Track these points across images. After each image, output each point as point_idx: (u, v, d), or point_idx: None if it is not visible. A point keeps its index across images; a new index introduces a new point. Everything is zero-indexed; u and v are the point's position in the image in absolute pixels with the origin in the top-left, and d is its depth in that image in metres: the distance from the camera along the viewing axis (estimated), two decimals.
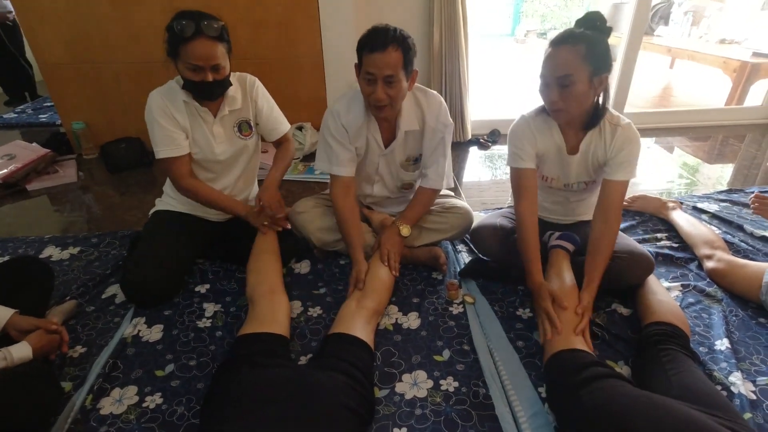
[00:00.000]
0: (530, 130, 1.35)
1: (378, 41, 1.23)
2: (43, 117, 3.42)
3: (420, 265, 1.63)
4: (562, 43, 1.18)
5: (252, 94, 1.52)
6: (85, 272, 1.64)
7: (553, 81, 1.20)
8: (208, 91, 1.38)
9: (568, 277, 1.30)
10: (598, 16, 1.19)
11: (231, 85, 1.43)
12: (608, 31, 1.19)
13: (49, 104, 3.65)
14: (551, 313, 1.18)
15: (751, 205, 1.50)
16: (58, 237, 1.87)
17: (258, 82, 1.55)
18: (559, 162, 1.39)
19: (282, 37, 2.57)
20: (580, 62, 1.16)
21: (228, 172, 1.58)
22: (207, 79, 1.32)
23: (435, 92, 1.47)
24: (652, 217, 1.93)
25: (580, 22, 1.21)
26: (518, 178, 1.37)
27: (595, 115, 1.28)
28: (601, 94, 1.25)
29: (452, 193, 1.77)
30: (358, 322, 1.22)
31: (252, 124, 1.55)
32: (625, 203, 1.89)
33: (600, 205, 1.32)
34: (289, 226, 1.58)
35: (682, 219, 1.77)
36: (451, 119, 1.46)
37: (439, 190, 1.55)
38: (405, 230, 1.49)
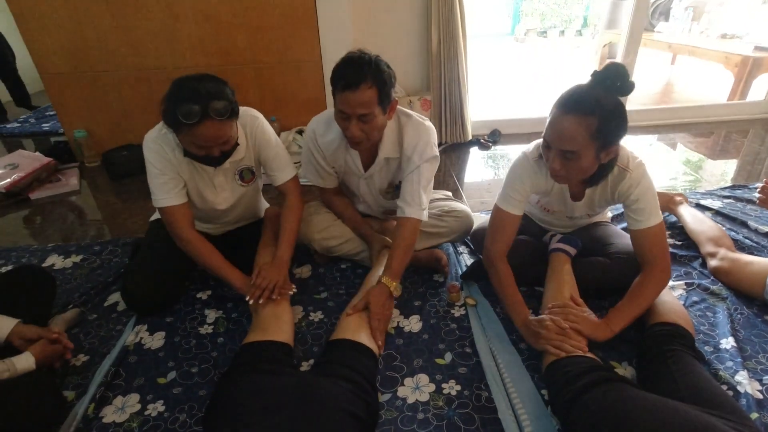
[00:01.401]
0: (532, 171, 1.26)
1: (350, 79, 1.16)
2: (45, 126, 3.44)
3: (421, 268, 1.63)
4: (571, 111, 1.04)
5: (254, 137, 1.39)
6: (88, 280, 1.64)
7: (555, 151, 1.09)
8: (214, 162, 1.29)
9: (568, 281, 1.29)
10: (621, 73, 1.03)
11: (238, 145, 1.32)
12: (629, 90, 1.05)
13: (51, 113, 3.67)
14: (553, 345, 1.11)
15: (759, 195, 1.48)
16: (60, 245, 1.88)
17: (259, 122, 1.40)
18: (562, 201, 1.35)
19: (281, 42, 2.57)
20: (587, 139, 1.04)
21: (228, 215, 1.55)
22: (214, 155, 1.23)
23: (425, 121, 1.38)
24: None
25: (597, 79, 1.05)
26: (499, 219, 1.30)
27: (599, 175, 1.18)
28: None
29: (451, 195, 1.76)
30: (359, 327, 1.21)
31: (254, 169, 1.47)
32: None
33: (638, 256, 1.24)
34: (294, 290, 1.38)
35: (688, 214, 1.75)
36: (435, 152, 1.37)
37: (418, 223, 1.38)
38: (397, 291, 1.34)
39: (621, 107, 1.06)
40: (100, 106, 2.61)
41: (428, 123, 1.39)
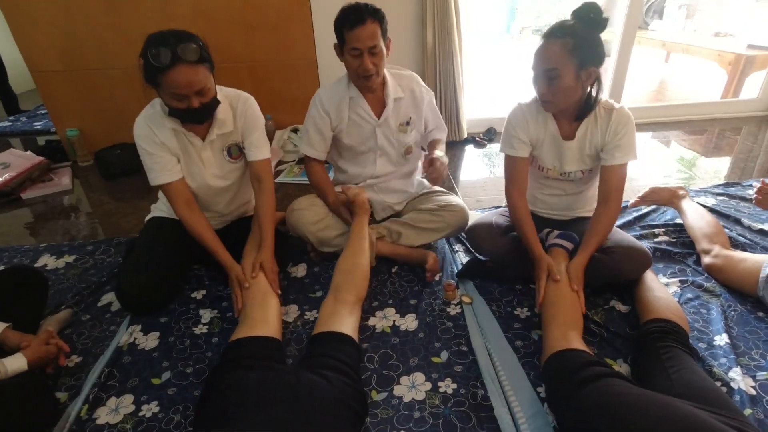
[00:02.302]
0: (524, 117, 1.38)
1: (357, 17, 1.32)
2: (37, 125, 3.41)
3: (418, 267, 1.62)
4: (550, 36, 1.20)
5: (243, 115, 1.43)
6: (81, 280, 1.63)
7: (540, 73, 1.24)
8: (196, 117, 1.32)
9: (566, 276, 1.29)
10: (593, 8, 1.19)
11: (219, 103, 1.35)
12: (603, 23, 1.19)
13: (43, 112, 3.64)
14: (541, 285, 1.26)
15: (755, 195, 1.49)
16: (53, 245, 1.87)
17: (251, 102, 1.46)
18: (555, 149, 1.39)
19: (276, 41, 2.56)
20: (566, 56, 1.18)
21: (220, 196, 1.55)
22: (193, 105, 1.25)
23: (405, 69, 1.60)
24: (649, 213, 1.92)
25: (574, 14, 1.21)
26: (508, 165, 1.44)
27: (586, 106, 1.30)
28: (594, 85, 1.27)
29: (446, 190, 1.76)
30: (338, 317, 1.20)
31: (241, 146, 1.49)
32: (637, 199, 1.88)
33: (600, 190, 1.36)
34: (278, 292, 1.38)
35: (689, 210, 1.74)
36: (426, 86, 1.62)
37: (444, 138, 1.70)
38: (439, 151, 1.55)
39: (596, 34, 1.20)
40: (93, 105, 2.59)
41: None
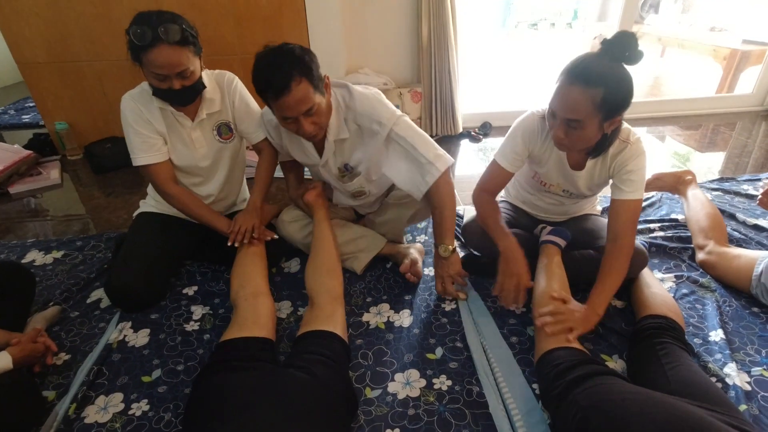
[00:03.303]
0: (537, 132, 1.26)
1: (278, 84, 1.09)
2: (25, 118, 3.34)
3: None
4: (576, 81, 1.03)
5: (230, 94, 1.43)
6: (69, 276, 1.60)
7: (560, 120, 1.10)
8: (177, 99, 1.31)
9: (558, 274, 1.28)
10: (630, 42, 1.01)
11: (204, 87, 1.34)
12: (638, 59, 1.03)
13: (31, 104, 3.57)
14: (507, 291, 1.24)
15: (760, 196, 1.45)
16: (41, 241, 1.83)
17: (236, 81, 1.45)
18: (561, 172, 1.33)
19: (268, 32, 2.51)
20: (593, 109, 1.04)
21: (211, 177, 1.53)
22: (174, 87, 1.24)
23: (367, 89, 1.30)
24: (645, 208, 1.91)
25: (606, 47, 1.03)
26: (491, 170, 1.35)
27: (600, 147, 1.18)
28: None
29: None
30: (318, 320, 1.18)
31: (232, 126, 1.47)
32: None
33: (610, 225, 1.22)
34: (274, 236, 1.48)
35: (692, 200, 1.71)
36: (393, 108, 1.27)
37: (445, 174, 1.30)
38: (444, 248, 1.30)
39: (628, 78, 1.05)
40: (82, 98, 2.54)
41: (372, 88, 1.32)
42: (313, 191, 1.48)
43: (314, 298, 1.25)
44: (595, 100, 1.03)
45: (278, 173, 2.29)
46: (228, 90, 1.42)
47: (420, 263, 1.54)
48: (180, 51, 1.20)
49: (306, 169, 1.61)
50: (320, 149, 1.35)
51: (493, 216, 1.32)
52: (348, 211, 1.67)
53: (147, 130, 1.35)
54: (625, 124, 1.19)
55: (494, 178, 1.35)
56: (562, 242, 1.38)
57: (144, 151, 1.36)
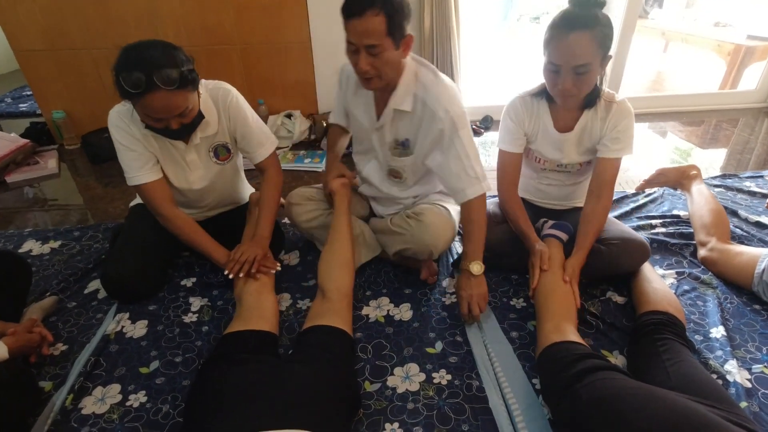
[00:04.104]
0: (522, 111, 1.35)
1: (354, 4, 1.07)
2: (22, 106, 3.31)
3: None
4: (577, 27, 1.10)
5: (227, 113, 1.33)
6: (67, 267, 1.59)
7: (568, 69, 1.13)
8: (175, 135, 1.22)
9: (560, 267, 1.27)
10: None
11: (203, 119, 1.25)
12: (604, 3, 1.14)
13: (28, 93, 3.53)
14: (535, 272, 1.26)
15: None
16: (38, 231, 1.81)
17: (232, 97, 1.32)
18: (552, 142, 1.36)
19: (268, 22, 2.48)
20: (596, 48, 1.11)
21: (207, 196, 1.48)
22: (171, 127, 1.15)
23: (448, 79, 1.26)
24: (647, 203, 1.90)
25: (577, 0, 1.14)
26: (502, 161, 1.42)
27: (593, 94, 1.25)
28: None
29: (443, 198, 1.48)
30: (325, 314, 1.17)
31: (230, 146, 1.40)
32: (643, 182, 1.85)
33: (593, 181, 1.33)
34: (278, 268, 1.37)
35: (696, 196, 1.69)
36: (464, 111, 1.22)
37: (483, 197, 1.27)
38: (475, 267, 1.26)
39: (609, 17, 1.15)
40: (80, 86, 2.51)
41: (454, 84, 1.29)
42: (340, 180, 1.44)
43: (325, 290, 1.24)
44: (597, 39, 1.10)
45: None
46: (224, 109, 1.32)
47: (431, 262, 1.47)
48: (178, 95, 1.10)
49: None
50: (379, 113, 1.31)
51: (522, 214, 1.40)
52: (363, 208, 1.60)
53: (137, 148, 1.27)
54: (605, 87, 1.28)
55: (508, 166, 1.41)
56: (564, 236, 1.38)
57: (136, 170, 1.28)
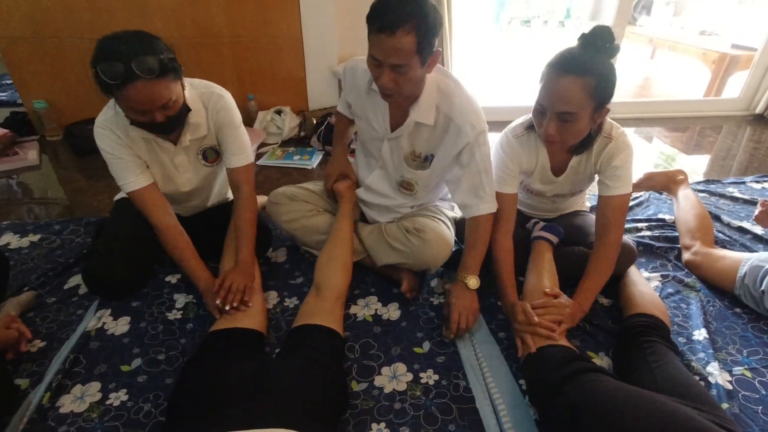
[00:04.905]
0: (516, 150, 1.25)
1: (387, 19, 0.98)
2: (2, 95, 3.22)
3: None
4: (569, 71, 1.02)
5: (217, 116, 1.29)
6: (47, 261, 1.54)
7: (553, 114, 1.07)
8: (162, 130, 1.19)
9: (549, 271, 1.28)
10: (608, 34, 1.02)
11: (189, 111, 1.21)
12: (616, 51, 1.04)
13: (8, 81, 3.42)
14: (526, 335, 1.11)
15: (757, 212, 1.44)
16: (17, 223, 1.76)
17: (224, 101, 1.28)
18: (545, 179, 1.33)
19: (258, 16, 2.45)
20: (585, 99, 1.03)
21: (195, 197, 1.46)
22: (156, 120, 1.11)
23: (469, 90, 1.21)
24: (633, 207, 1.93)
25: (585, 41, 1.04)
26: (499, 203, 1.27)
27: (586, 141, 1.18)
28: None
29: (440, 210, 1.46)
30: (318, 312, 1.16)
31: (218, 149, 1.37)
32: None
33: (598, 223, 1.23)
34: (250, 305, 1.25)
35: (682, 200, 1.72)
36: (486, 127, 1.18)
37: (492, 216, 1.26)
38: (472, 281, 1.25)
39: (613, 67, 1.05)
40: (63, 76, 2.44)
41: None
42: (346, 183, 1.43)
43: (321, 288, 1.23)
44: (589, 89, 1.02)
45: (265, 161, 2.23)
46: (214, 112, 1.28)
47: (412, 275, 1.42)
48: (159, 84, 1.06)
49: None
50: (394, 123, 1.25)
51: (509, 266, 1.28)
52: (355, 212, 1.54)
53: (126, 155, 1.24)
54: (607, 120, 1.19)
55: (505, 207, 1.28)
56: (554, 239, 1.38)
57: (125, 178, 1.26)
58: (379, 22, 0.99)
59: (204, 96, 1.27)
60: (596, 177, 1.27)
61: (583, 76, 1.01)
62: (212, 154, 1.38)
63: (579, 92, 1.02)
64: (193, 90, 1.25)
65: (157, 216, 1.29)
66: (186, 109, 1.20)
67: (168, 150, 1.29)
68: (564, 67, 1.03)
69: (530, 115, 1.20)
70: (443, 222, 1.39)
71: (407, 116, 1.21)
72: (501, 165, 1.26)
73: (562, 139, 1.12)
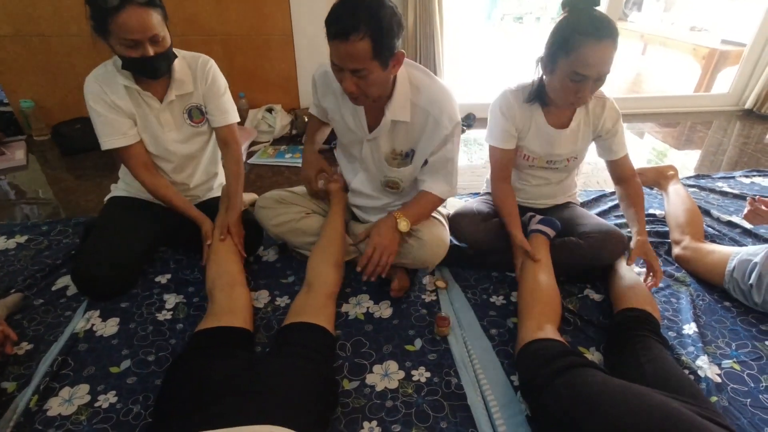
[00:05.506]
0: (513, 106, 1.33)
1: (340, 26, 0.98)
2: None
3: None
4: (605, 36, 1.10)
5: (204, 76, 1.36)
6: (34, 262, 1.52)
7: (595, 77, 1.15)
8: (152, 68, 1.22)
9: (546, 263, 1.28)
10: None
11: (176, 57, 1.29)
12: (599, 1, 1.15)
13: None
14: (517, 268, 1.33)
15: (746, 209, 1.47)
16: (3, 225, 1.74)
17: (212, 64, 1.38)
18: (542, 138, 1.36)
19: (248, 13, 2.43)
20: (614, 55, 1.14)
21: (184, 163, 1.46)
22: (148, 53, 1.16)
23: (443, 83, 1.22)
24: None
25: (573, 4, 1.14)
26: (496, 157, 1.40)
27: None
28: None
29: (441, 210, 1.47)
30: (309, 310, 1.15)
31: (204, 110, 1.41)
32: None
33: (617, 178, 1.43)
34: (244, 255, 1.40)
35: (672, 195, 1.74)
36: (459, 114, 1.20)
37: (442, 201, 1.32)
38: (403, 224, 1.23)
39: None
40: (50, 75, 2.41)
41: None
42: (336, 183, 1.46)
43: (312, 285, 1.23)
44: (615, 44, 1.13)
45: (256, 160, 2.22)
46: (201, 72, 1.35)
47: (404, 274, 1.41)
48: (150, 13, 1.14)
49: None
50: (371, 124, 1.24)
51: (514, 209, 1.40)
52: (346, 213, 1.52)
53: (112, 113, 1.28)
54: None
55: (500, 162, 1.40)
56: (551, 232, 1.39)
57: (109, 135, 1.29)
58: (333, 28, 1.00)
59: (189, 59, 1.36)
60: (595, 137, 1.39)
61: (615, 38, 1.12)
62: (197, 114, 1.41)
63: (613, 52, 1.13)
64: (179, 54, 1.32)
65: (140, 172, 1.36)
66: (173, 54, 1.27)
67: (153, 107, 1.33)
68: (599, 33, 1.10)
69: (523, 82, 1.34)
70: (438, 221, 1.39)
71: (383, 116, 1.20)
72: (499, 121, 1.36)
73: (594, 94, 1.23)
